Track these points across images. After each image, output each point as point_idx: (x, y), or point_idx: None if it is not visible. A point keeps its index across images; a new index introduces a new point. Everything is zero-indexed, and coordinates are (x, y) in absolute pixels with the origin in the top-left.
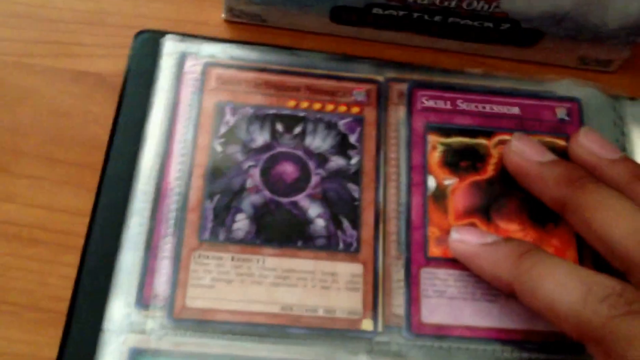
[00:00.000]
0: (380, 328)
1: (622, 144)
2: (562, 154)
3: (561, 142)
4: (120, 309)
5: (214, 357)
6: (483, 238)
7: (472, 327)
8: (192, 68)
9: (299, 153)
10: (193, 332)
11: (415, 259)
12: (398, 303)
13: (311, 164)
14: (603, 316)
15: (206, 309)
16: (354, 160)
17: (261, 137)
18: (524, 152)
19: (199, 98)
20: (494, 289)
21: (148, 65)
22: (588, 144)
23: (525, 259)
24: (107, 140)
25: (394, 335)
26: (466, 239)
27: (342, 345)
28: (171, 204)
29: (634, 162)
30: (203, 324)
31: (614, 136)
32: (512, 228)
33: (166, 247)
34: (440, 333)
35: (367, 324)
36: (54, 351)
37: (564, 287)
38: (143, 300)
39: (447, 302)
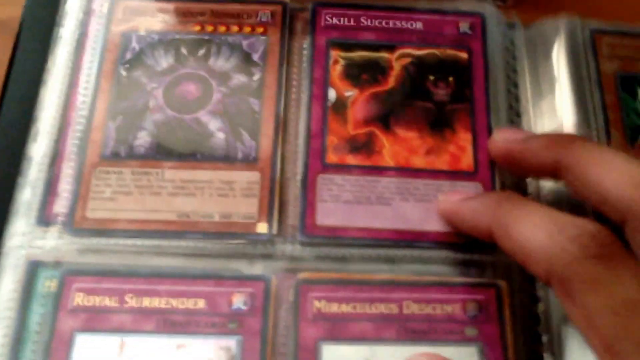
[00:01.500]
0: (275, 230)
1: (513, 67)
2: (464, 67)
3: (463, 55)
4: (20, 228)
5: (111, 266)
6: (466, 195)
7: (366, 228)
8: (100, 4)
9: (202, 73)
10: (92, 240)
11: (313, 165)
12: (294, 207)
13: (214, 82)
14: (570, 255)
15: (105, 219)
16: (256, 77)
17: (165, 61)
18: (506, 137)
19: (105, 30)
20: (389, 195)
21: (48, 7)
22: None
23: (504, 203)
24: (3, 79)
25: (288, 237)
26: (451, 198)
27: (237, 250)
28: (76, 126)
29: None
30: (102, 232)
31: (505, 59)
32: (411, 135)
33: (69, 166)
34: (334, 234)
35: (262, 227)
36: None
37: (537, 227)
38: (45, 218)
39: (342, 206)
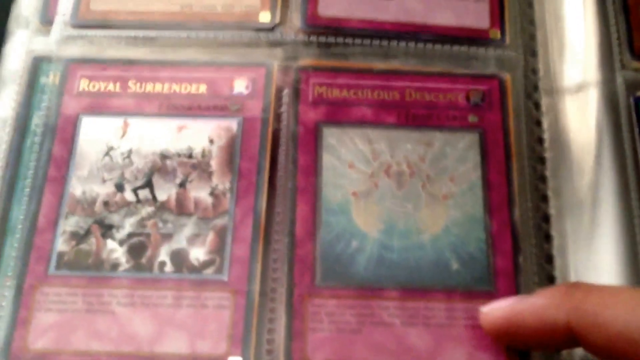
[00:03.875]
0: (277, 20)
1: None
2: None
3: None
4: (24, 28)
5: (115, 55)
6: (513, 299)
7: (368, 19)
8: None
9: None
10: (96, 32)
11: None
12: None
13: None
14: None
15: (108, 11)
16: None
17: None
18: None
19: None
20: None
21: None
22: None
23: (576, 292)
24: None
25: (290, 26)
26: (499, 305)
27: (239, 38)
28: None
29: None
30: (105, 23)
31: None
32: None
33: None
34: (336, 25)
35: (264, 16)
36: None
37: (635, 310)
38: (48, 16)
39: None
